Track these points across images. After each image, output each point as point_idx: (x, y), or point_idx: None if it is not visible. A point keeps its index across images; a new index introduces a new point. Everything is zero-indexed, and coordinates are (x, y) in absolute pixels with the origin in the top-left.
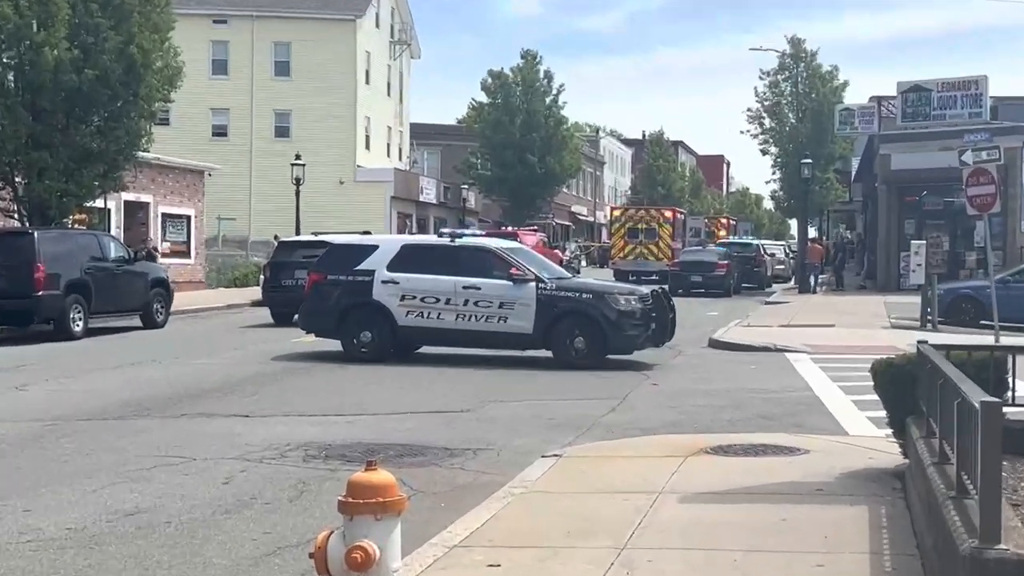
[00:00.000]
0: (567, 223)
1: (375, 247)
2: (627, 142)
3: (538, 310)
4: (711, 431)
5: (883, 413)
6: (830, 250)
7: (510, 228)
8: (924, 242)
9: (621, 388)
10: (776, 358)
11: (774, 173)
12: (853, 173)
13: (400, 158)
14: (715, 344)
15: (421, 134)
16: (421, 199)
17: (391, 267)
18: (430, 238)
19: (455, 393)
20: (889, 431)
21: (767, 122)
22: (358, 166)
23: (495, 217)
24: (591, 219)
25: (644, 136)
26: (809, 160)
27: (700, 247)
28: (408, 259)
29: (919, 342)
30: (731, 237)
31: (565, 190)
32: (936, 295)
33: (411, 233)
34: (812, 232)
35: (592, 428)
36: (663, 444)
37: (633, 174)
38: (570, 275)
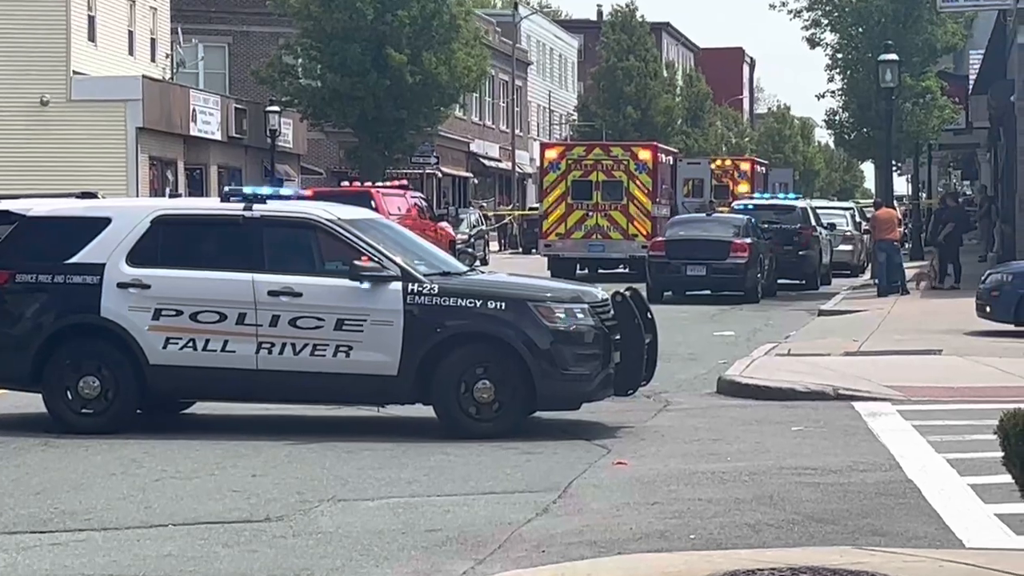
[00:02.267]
0: (464, 173)
1: (105, 221)
2: (572, 26)
3: (408, 332)
4: (721, 546)
5: (1023, 507)
6: (934, 217)
7: (359, 184)
8: None
9: (560, 471)
10: (838, 412)
11: (832, 80)
12: (972, 80)
13: (154, 58)
14: (730, 389)
15: (193, 14)
16: (194, 132)
17: (136, 258)
18: (207, 203)
19: (257, 487)
20: None
21: None
22: (75, 73)
23: (332, 164)
24: (506, 166)
25: (601, 15)
26: (894, 56)
27: (702, 214)
28: (167, 243)
29: None
30: (759, 195)
31: (459, 115)
32: None
33: (174, 195)
34: (901, 185)
35: (508, 545)
36: (635, 572)
37: (583, 83)
38: (467, 268)
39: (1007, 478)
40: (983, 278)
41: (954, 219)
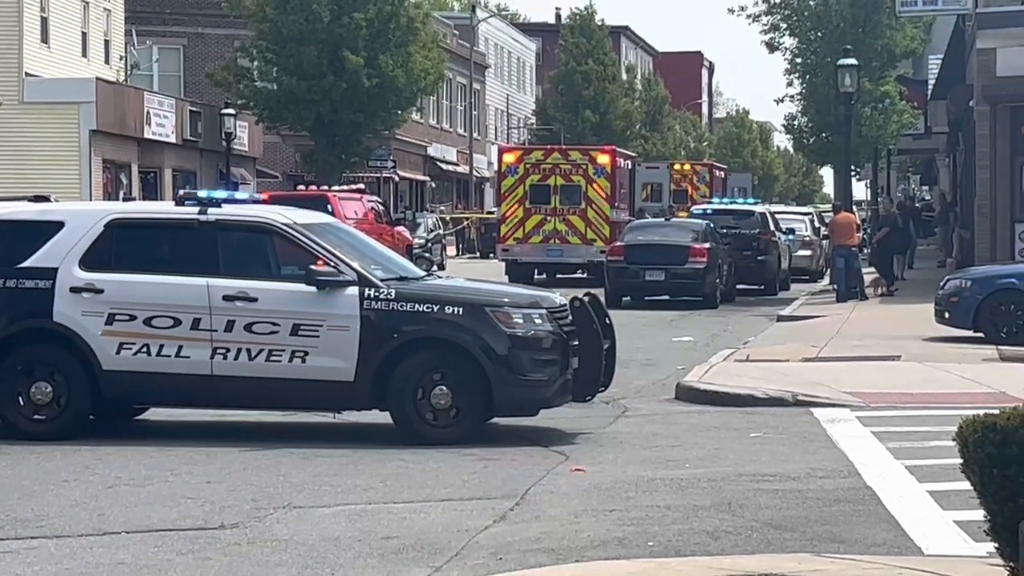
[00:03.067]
0: (421, 177)
1: (58, 225)
2: (530, 29)
3: (364, 337)
4: (680, 553)
5: (981, 513)
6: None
7: (316, 188)
8: None
9: (518, 478)
10: (797, 418)
11: (791, 85)
12: (930, 85)
13: (108, 59)
14: (688, 395)
15: (148, 16)
16: (148, 134)
17: (88, 262)
18: (162, 207)
19: (212, 494)
20: (992, 546)
21: None
22: (27, 75)
23: (288, 168)
24: (464, 170)
25: (559, 18)
26: (853, 61)
27: (661, 219)
28: (120, 247)
29: None
30: (717, 200)
31: (416, 118)
32: None
33: (127, 198)
34: (860, 190)
35: (465, 552)
36: None
37: (541, 86)
38: (424, 272)
39: (966, 485)
40: (942, 284)
41: (888, 224)
